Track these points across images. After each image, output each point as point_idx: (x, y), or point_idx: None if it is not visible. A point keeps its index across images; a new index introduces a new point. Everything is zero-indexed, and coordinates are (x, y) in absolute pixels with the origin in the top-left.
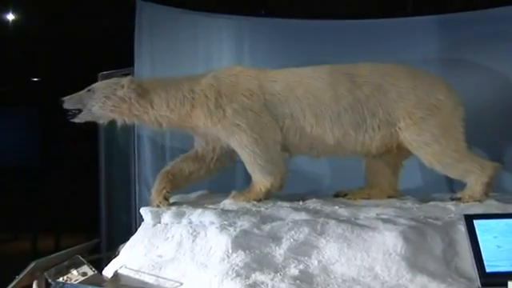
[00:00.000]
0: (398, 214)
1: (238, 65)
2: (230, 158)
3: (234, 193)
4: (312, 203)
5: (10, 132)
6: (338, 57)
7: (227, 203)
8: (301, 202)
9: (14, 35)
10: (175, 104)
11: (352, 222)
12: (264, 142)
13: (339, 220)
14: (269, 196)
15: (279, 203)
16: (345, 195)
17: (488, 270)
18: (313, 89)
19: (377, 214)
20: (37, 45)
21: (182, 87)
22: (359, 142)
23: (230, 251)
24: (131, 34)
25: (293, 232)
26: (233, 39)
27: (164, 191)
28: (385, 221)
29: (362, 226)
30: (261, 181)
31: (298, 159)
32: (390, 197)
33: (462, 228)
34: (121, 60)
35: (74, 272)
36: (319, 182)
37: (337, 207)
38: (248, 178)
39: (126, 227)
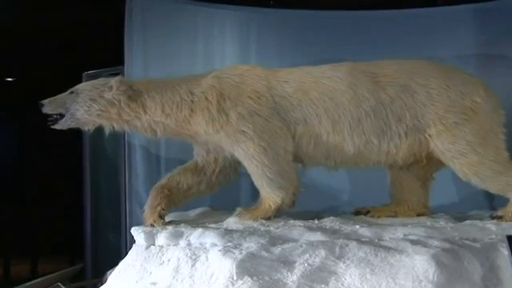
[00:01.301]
0: (429, 234)
1: (243, 63)
2: (234, 170)
3: (239, 210)
4: (329, 222)
5: None
6: (358, 53)
7: (231, 222)
8: (316, 221)
9: None
10: (172, 108)
11: (375, 244)
12: (273, 151)
13: (361, 241)
14: (279, 213)
15: (291, 222)
16: (367, 213)
17: None
18: (329, 90)
19: (404, 235)
20: (11, 39)
21: (179, 89)
22: (383, 151)
23: (235, 277)
24: (120, 28)
25: (307, 255)
26: (238, 34)
27: (159, 208)
28: (414, 242)
29: (387, 249)
30: (270, 196)
31: (313, 171)
32: (419, 214)
33: (504, 251)
34: (108, 58)
35: None
36: (337, 197)
37: (358, 226)
38: (255, 193)
39: (115, 250)
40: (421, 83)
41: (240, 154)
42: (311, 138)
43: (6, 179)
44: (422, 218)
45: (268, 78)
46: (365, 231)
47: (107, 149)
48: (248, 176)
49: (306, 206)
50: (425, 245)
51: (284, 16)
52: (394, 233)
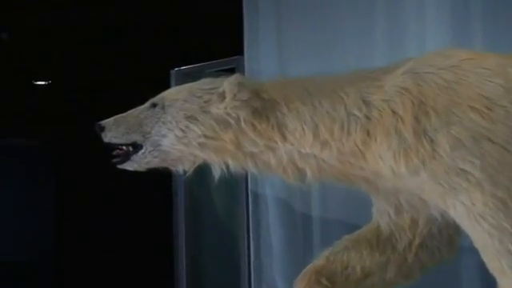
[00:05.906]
0: None
1: (457, 46)
2: (448, 241)
3: None
4: None
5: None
6: None
7: None
8: None
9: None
10: (331, 131)
11: None
12: None
13: None
14: None
15: None
16: None
17: None
18: None
19: None
20: (55, 19)
21: (343, 96)
22: None
23: None
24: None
25: None
26: None
27: None
28: None
29: None
30: None
31: None
32: None
33: None
34: (215, 44)
35: None
36: None
37: None
38: (490, 283)
39: None
40: None
41: (459, 213)
42: None
43: (51, 254)
44: None
45: (506, 72)
46: None
47: (216, 203)
48: (474, 252)
49: None
50: None
51: None
52: None
